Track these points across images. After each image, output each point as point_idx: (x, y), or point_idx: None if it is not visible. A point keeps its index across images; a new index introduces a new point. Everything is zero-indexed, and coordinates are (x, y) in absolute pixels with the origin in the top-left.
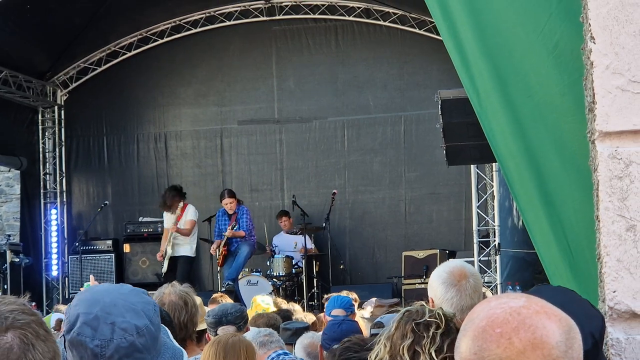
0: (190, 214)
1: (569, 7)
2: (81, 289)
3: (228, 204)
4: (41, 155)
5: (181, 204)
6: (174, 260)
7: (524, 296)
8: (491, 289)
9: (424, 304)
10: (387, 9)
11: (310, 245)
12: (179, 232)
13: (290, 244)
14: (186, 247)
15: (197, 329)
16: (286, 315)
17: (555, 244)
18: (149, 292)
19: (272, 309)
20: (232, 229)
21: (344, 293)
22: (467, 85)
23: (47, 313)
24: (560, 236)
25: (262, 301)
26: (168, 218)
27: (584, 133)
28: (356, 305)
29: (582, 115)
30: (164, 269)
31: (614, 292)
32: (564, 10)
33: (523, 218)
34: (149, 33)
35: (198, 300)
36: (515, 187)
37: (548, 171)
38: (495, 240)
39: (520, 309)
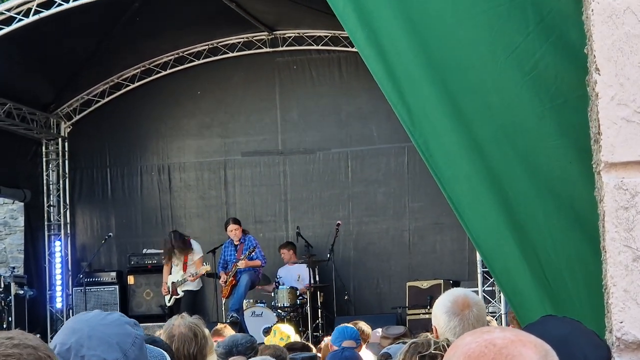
0: (197, 252)
1: (551, 28)
2: None
3: (233, 231)
4: (45, 187)
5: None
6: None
7: (498, 328)
8: (496, 319)
9: (430, 335)
10: None
11: (312, 280)
12: (195, 279)
13: (293, 275)
14: (191, 282)
15: None
16: (305, 346)
17: (529, 273)
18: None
19: (294, 338)
20: (245, 259)
21: (360, 324)
22: (394, 101)
23: None
24: (535, 265)
25: (285, 329)
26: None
27: (569, 158)
28: (367, 339)
29: (565, 140)
30: (169, 302)
31: (621, 322)
32: (545, 31)
33: (476, 245)
34: (152, 65)
35: (207, 331)
36: (466, 212)
37: (517, 196)
38: None
39: (495, 339)
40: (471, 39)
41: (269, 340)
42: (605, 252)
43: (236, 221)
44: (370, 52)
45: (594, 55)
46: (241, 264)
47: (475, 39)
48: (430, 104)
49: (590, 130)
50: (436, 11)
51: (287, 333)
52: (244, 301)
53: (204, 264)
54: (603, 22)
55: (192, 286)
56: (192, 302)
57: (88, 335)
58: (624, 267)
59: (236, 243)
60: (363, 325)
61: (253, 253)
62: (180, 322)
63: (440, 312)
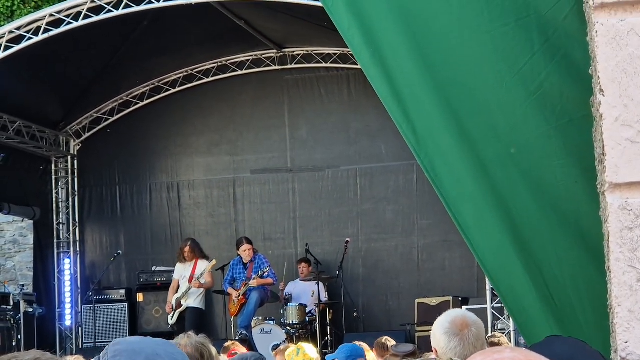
0: (204, 265)
1: (557, 48)
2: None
3: (246, 251)
4: (54, 205)
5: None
6: (183, 312)
7: (508, 348)
8: (505, 335)
9: (435, 356)
10: None
11: (324, 297)
12: (202, 287)
13: (306, 292)
14: (196, 299)
15: None
16: None
17: (534, 292)
18: None
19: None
20: (260, 276)
21: (384, 340)
22: (400, 120)
23: None
24: (540, 284)
25: (310, 352)
26: (179, 268)
27: (574, 178)
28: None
29: (570, 159)
30: (173, 320)
31: (626, 342)
32: (551, 51)
33: (482, 264)
34: (160, 83)
35: (214, 350)
36: (472, 232)
37: (521, 215)
38: None
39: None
40: (476, 59)
41: (290, 357)
42: (610, 272)
43: (249, 241)
44: (375, 72)
45: (598, 77)
46: (254, 282)
47: (480, 58)
48: (435, 124)
49: (595, 151)
50: (441, 31)
51: (311, 356)
52: (253, 318)
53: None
54: (607, 44)
55: (198, 304)
56: (198, 322)
57: (154, 353)
58: (629, 287)
59: (246, 262)
60: (387, 341)
61: (265, 273)
62: (187, 342)
63: (440, 333)
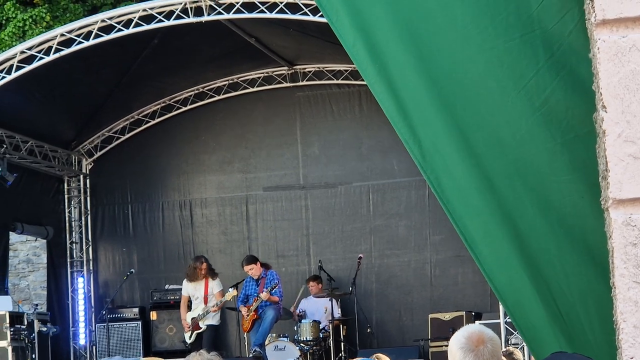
0: (216, 285)
1: (562, 63)
2: None
3: (250, 271)
4: (67, 224)
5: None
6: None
7: None
8: (519, 349)
9: None
10: None
11: (337, 313)
12: (218, 309)
13: (319, 309)
14: (213, 317)
15: None
16: None
17: (542, 308)
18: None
19: None
20: (269, 292)
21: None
22: (406, 136)
23: None
24: (548, 300)
25: None
26: (188, 287)
27: (580, 193)
28: None
29: (576, 174)
30: (191, 340)
31: (632, 358)
32: (556, 66)
33: (489, 280)
34: (172, 101)
35: None
36: (479, 247)
37: (528, 231)
38: None
39: None
40: (481, 75)
41: None
42: (615, 288)
43: (250, 260)
44: (380, 88)
45: (601, 93)
46: (264, 296)
47: (485, 74)
48: (441, 140)
49: (598, 167)
50: (446, 47)
51: None
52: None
53: (230, 289)
54: (609, 60)
55: (214, 321)
56: (214, 337)
57: None
58: (634, 303)
59: (256, 278)
60: (383, 358)
61: (275, 289)
62: (198, 359)
63: (456, 348)
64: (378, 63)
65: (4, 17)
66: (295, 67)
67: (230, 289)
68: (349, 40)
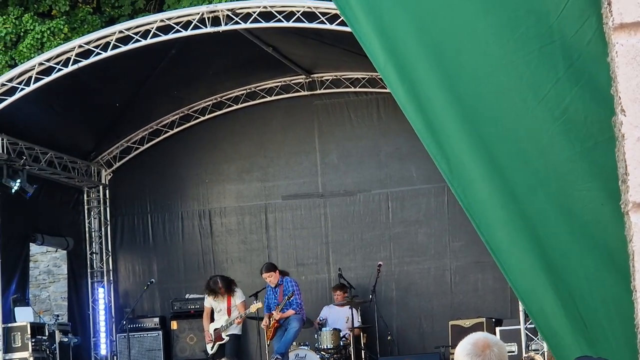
0: (238, 297)
1: (581, 72)
2: None
3: (268, 279)
4: (87, 235)
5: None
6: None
7: None
8: (540, 354)
9: None
10: None
11: (358, 321)
12: (242, 320)
13: (341, 317)
14: (236, 326)
15: None
16: None
17: (564, 314)
18: None
19: None
20: (280, 310)
21: None
22: (434, 152)
23: None
24: (570, 306)
25: None
26: (210, 299)
27: (601, 201)
28: None
29: (596, 182)
30: (212, 351)
31: None
32: (575, 75)
33: (514, 287)
34: (190, 110)
35: None
36: (503, 256)
37: (550, 239)
38: None
39: None
40: (503, 89)
41: None
42: (636, 291)
43: (268, 268)
44: (410, 107)
45: (619, 97)
46: (276, 315)
47: (506, 88)
48: (467, 154)
49: (618, 171)
50: (470, 64)
51: None
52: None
53: (255, 302)
54: (627, 64)
55: (236, 330)
56: (237, 346)
57: None
58: None
59: (274, 286)
60: None
61: (292, 298)
62: None
63: (462, 356)
64: (407, 83)
65: (23, 29)
66: (312, 75)
67: (254, 301)
68: (380, 61)
